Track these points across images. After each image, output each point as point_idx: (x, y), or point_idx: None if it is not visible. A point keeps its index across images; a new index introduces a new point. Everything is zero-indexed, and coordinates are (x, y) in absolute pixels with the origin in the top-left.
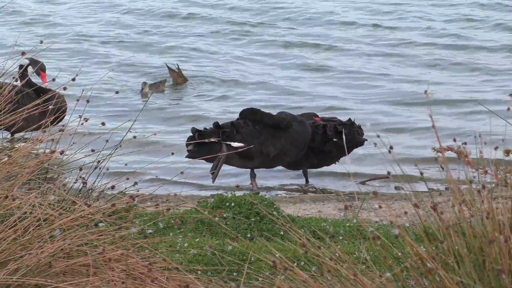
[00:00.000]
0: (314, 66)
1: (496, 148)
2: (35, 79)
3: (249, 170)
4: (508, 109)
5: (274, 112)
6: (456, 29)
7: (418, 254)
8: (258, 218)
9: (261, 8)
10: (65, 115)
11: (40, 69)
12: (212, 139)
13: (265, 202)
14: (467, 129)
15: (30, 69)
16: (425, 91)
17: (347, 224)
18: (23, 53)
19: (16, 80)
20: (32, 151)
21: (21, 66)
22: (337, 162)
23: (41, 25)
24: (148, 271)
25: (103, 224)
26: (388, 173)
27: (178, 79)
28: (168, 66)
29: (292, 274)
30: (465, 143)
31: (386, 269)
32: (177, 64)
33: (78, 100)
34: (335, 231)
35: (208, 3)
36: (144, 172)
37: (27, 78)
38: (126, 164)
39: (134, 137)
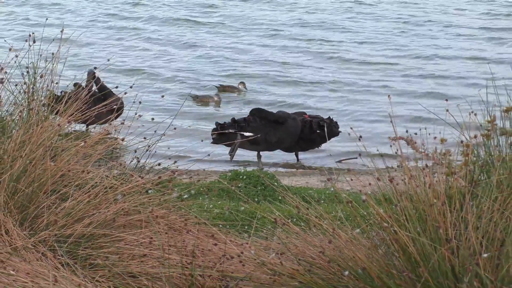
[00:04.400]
0: None
1: (435, 138)
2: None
3: (256, 152)
4: (447, 110)
5: (274, 111)
6: None
7: (378, 214)
8: (263, 187)
9: None
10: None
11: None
12: (230, 130)
13: (268, 176)
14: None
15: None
16: (389, 96)
17: (327, 192)
18: (95, 68)
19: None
20: (101, 138)
21: (89, 74)
22: (319, 147)
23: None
24: (184, 225)
25: (152, 191)
26: (359, 154)
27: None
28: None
29: (288, 228)
30: (415, 134)
31: (355, 224)
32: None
33: (134, 102)
34: (318, 196)
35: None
36: (182, 154)
37: (101, 83)
38: (169, 148)
39: (175, 128)
